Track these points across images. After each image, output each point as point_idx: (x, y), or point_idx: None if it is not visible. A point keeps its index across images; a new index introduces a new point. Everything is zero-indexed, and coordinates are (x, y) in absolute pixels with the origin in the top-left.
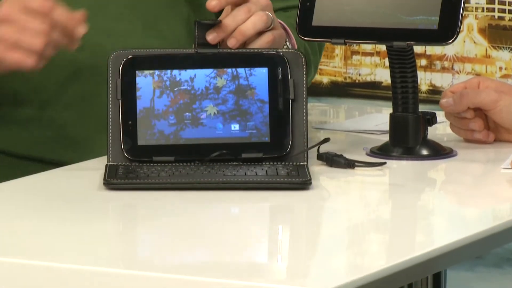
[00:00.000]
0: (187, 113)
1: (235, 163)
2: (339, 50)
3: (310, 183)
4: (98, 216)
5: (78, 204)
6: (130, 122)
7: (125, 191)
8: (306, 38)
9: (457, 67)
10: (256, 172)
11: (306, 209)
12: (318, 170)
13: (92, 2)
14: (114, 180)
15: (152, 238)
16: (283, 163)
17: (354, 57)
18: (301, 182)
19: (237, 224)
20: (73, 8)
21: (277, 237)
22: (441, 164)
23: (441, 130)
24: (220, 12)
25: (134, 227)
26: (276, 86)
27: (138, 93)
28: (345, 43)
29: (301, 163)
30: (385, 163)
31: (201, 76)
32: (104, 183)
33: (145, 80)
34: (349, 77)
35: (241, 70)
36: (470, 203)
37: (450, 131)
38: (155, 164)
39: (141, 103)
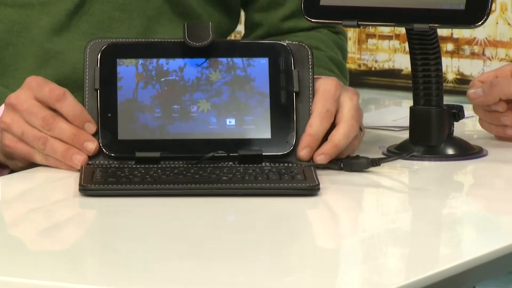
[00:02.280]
0: (175, 106)
1: (230, 163)
2: (352, 33)
3: (318, 189)
4: (72, 226)
5: (50, 212)
6: (109, 115)
7: (104, 198)
8: (313, 20)
9: (489, 52)
10: (255, 176)
11: (313, 218)
12: (328, 173)
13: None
14: (90, 185)
15: (133, 252)
16: (286, 164)
17: (370, 40)
18: (308, 188)
19: (232, 235)
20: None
21: (280, 250)
22: (469, 165)
23: (469, 126)
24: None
25: (112, 239)
26: (278, 78)
27: (119, 84)
28: (358, 25)
29: (306, 165)
30: (411, 152)
31: (191, 66)
32: (79, 189)
33: (127, 70)
34: (363, 64)
35: (237, 60)
36: (503, 209)
37: (479, 127)
38: (138, 166)
39: (123, 94)
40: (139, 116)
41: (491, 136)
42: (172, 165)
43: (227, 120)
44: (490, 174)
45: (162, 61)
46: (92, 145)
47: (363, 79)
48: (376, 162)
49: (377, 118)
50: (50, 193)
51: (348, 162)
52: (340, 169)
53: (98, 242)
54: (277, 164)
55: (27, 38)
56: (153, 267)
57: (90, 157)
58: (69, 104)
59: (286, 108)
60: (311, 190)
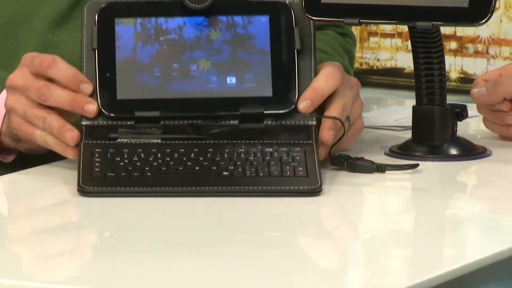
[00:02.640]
0: (175, 65)
1: (231, 122)
2: (353, 31)
3: (320, 190)
4: (70, 227)
5: (48, 213)
6: (108, 75)
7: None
8: (314, 18)
9: (493, 50)
10: (256, 168)
11: (315, 219)
12: (330, 173)
13: None
14: (89, 188)
15: (131, 253)
16: (288, 122)
17: (372, 39)
18: (309, 191)
19: (232, 236)
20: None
21: (281, 251)
22: (473, 166)
23: (473, 126)
24: None
25: (111, 240)
26: (279, 35)
27: (117, 43)
28: (360, 23)
29: (308, 123)
30: (417, 165)
31: (191, 25)
32: (78, 190)
33: (125, 29)
34: (365, 62)
35: (238, 18)
36: (507, 210)
37: (483, 127)
38: (139, 150)
39: (121, 54)
40: (138, 75)
41: (495, 136)
42: (173, 143)
43: (228, 79)
44: (494, 174)
45: (161, 20)
46: (92, 107)
47: (365, 78)
48: (381, 169)
49: (379, 118)
50: (49, 192)
51: (351, 162)
52: (343, 168)
53: (97, 243)
54: (278, 122)
55: (28, 29)
56: (152, 268)
57: (88, 118)
58: (61, 68)
59: (288, 66)
60: (312, 193)
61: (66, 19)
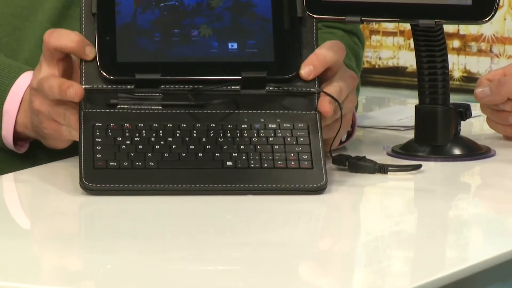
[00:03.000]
0: (175, 30)
1: (233, 87)
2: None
3: (325, 187)
4: (70, 226)
5: (50, 211)
6: (107, 38)
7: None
8: (315, 16)
9: (497, 49)
10: (260, 156)
11: (316, 219)
12: (332, 173)
13: None
14: (92, 185)
15: (130, 253)
16: (290, 88)
17: (373, 37)
18: (314, 189)
19: (233, 236)
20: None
21: (281, 252)
22: (477, 166)
23: (476, 126)
24: None
25: (109, 239)
26: (281, 2)
27: (117, 8)
28: (362, 21)
29: (311, 90)
30: (420, 165)
31: None
32: (80, 186)
33: None
34: (367, 61)
35: None
36: (511, 211)
37: (487, 127)
38: (142, 134)
39: (121, 19)
40: (138, 39)
41: (499, 136)
42: (173, 112)
43: (229, 44)
44: (498, 174)
45: None
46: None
47: (367, 77)
48: (383, 170)
49: (382, 118)
50: (51, 190)
51: (354, 162)
52: (345, 168)
53: (95, 242)
54: (280, 88)
55: (33, 22)
56: (150, 269)
57: (89, 81)
58: (63, 34)
59: (290, 33)
60: (317, 191)
61: (69, 10)
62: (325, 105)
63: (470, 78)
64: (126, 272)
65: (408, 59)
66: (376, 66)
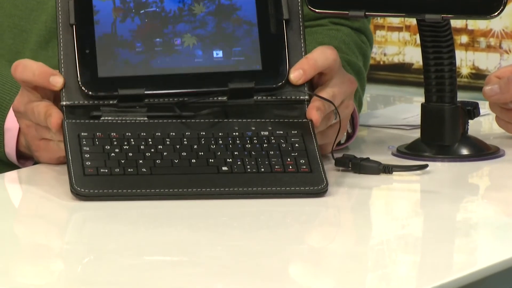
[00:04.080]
0: (157, 39)
1: (220, 98)
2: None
3: (326, 190)
4: (59, 232)
5: (39, 216)
6: (87, 51)
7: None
8: (317, 10)
9: (506, 45)
10: (256, 161)
11: (318, 223)
12: (335, 173)
13: None
14: (83, 190)
15: (123, 259)
16: (279, 97)
17: (378, 32)
18: (315, 192)
19: (229, 239)
20: None
21: (282, 256)
22: (485, 166)
23: (485, 125)
24: None
25: (102, 245)
26: (266, 5)
27: (95, 18)
28: (366, 16)
29: (301, 98)
30: (426, 166)
31: None
32: (71, 192)
33: (103, 3)
34: (371, 57)
35: None
36: None
37: (496, 126)
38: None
39: (100, 29)
40: (119, 51)
41: (509, 135)
42: (160, 122)
43: (214, 52)
44: (508, 175)
45: None
46: (58, 79)
47: (371, 73)
48: (388, 170)
49: (386, 116)
50: (41, 195)
51: (357, 163)
52: (348, 169)
53: (87, 249)
54: (268, 97)
55: (38, 22)
56: (144, 276)
57: (69, 97)
58: (27, 68)
59: (276, 37)
60: (318, 193)
61: None
62: (312, 113)
63: (478, 75)
64: (118, 277)
65: (414, 55)
66: (381, 63)
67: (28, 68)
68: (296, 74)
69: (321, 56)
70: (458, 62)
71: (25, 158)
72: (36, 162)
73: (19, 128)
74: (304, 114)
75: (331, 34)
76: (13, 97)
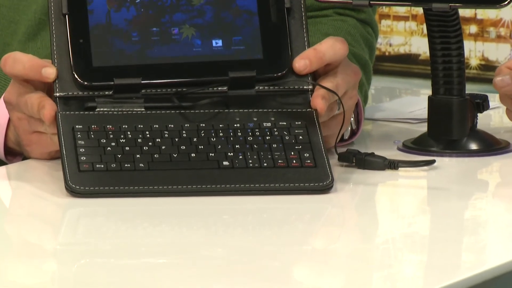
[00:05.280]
0: (154, 28)
1: (220, 88)
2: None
3: (331, 186)
4: (53, 230)
5: (32, 214)
6: (81, 41)
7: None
8: None
9: None
10: (258, 155)
11: (322, 221)
12: (339, 169)
13: None
14: (78, 188)
15: (119, 259)
16: (281, 87)
17: (383, 22)
18: (319, 188)
19: (229, 237)
20: None
21: (286, 254)
22: (495, 162)
23: (495, 118)
24: None
25: (97, 244)
26: None
27: (89, 7)
28: (370, 5)
29: (304, 87)
30: (433, 161)
31: None
32: (66, 189)
33: None
34: (376, 48)
35: None
36: None
37: (506, 119)
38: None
39: (94, 19)
40: (114, 41)
41: None
42: (158, 113)
43: (214, 42)
44: None
45: None
46: (50, 70)
47: (376, 65)
48: (394, 165)
49: (392, 109)
50: (33, 192)
51: (361, 158)
52: (352, 165)
53: (82, 248)
54: (271, 87)
55: (27, 13)
56: (141, 276)
57: (63, 88)
58: (17, 61)
59: (278, 25)
60: (323, 190)
61: None
62: (317, 101)
63: (488, 67)
64: (113, 277)
65: (421, 46)
66: (387, 54)
67: (18, 62)
68: (301, 64)
69: (330, 50)
70: (466, 53)
71: (13, 154)
72: (24, 159)
73: (8, 123)
74: (307, 103)
75: (336, 25)
76: (2, 90)
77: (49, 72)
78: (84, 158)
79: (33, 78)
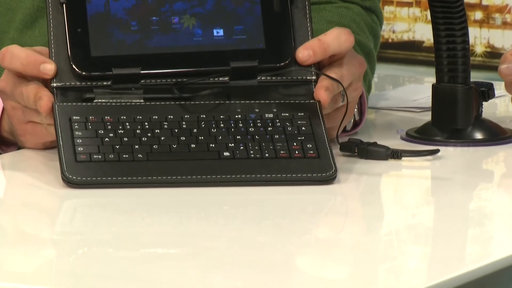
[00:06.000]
0: (154, 17)
1: (221, 79)
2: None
3: (335, 177)
4: (49, 221)
5: (29, 205)
6: (79, 30)
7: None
8: None
9: None
10: (260, 145)
11: (326, 211)
12: (340, 160)
13: None
14: (75, 178)
15: (117, 251)
16: (284, 77)
17: (387, 8)
18: (323, 179)
19: (233, 231)
20: None
21: (287, 247)
22: (500, 152)
23: (500, 107)
24: None
25: (94, 236)
26: None
27: None
28: None
29: (307, 78)
30: (438, 151)
31: None
32: (63, 179)
33: None
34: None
35: None
36: None
37: None
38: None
39: (92, 8)
40: (113, 30)
41: None
42: (158, 104)
43: (215, 31)
44: None
45: None
46: (49, 66)
47: (379, 52)
48: (397, 155)
49: (395, 98)
50: (29, 182)
51: (364, 148)
52: (354, 154)
53: (79, 239)
54: (273, 77)
55: (25, 1)
56: (138, 269)
57: (60, 78)
58: (14, 56)
59: (280, 14)
60: (326, 180)
61: None
62: (320, 93)
63: (493, 54)
64: (111, 270)
65: (425, 33)
66: (390, 40)
67: (16, 57)
68: (305, 54)
69: (335, 42)
70: (471, 40)
71: (7, 144)
72: (19, 149)
73: (2, 111)
74: (311, 95)
75: (340, 12)
76: None
77: (48, 68)
78: (81, 148)
79: (31, 74)
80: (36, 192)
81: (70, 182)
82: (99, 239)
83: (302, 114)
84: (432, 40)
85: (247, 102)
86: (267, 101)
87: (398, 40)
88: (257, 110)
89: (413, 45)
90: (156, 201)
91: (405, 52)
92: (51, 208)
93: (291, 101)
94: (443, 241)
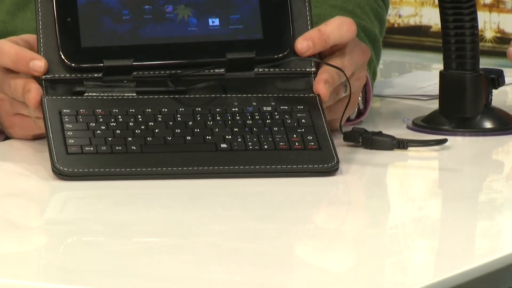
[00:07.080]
0: (146, 6)
1: (217, 70)
2: None
3: (337, 168)
4: (39, 213)
5: (20, 197)
6: (69, 20)
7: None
8: None
9: None
10: (258, 137)
11: (329, 203)
12: (343, 150)
13: None
14: (66, 170)
15: (112, 245)
16: (282, 69)
17: None
18: (324, 170)
19: (231, 223)
20: None
21: (288, 243)
22: (511, 141)
23: (511, 95)
24: None
25: (88, 229)
26: None
27: None
28: None
29: (307, 69)
30: (445, 140)
31: None
32: (53, 171)
33: None
34: None
35: None
36: None
37: None
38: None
39: None
40: (104, 19)
41: None
42: (151, 97)
43: (210, 20)
44: None
45: None
46: (39, 63)
47: (385, 37)
48: (403, 145)
49: (401, 85)
50: (19, 172)
51: (368, 138)
52: (358, 144)
53: (70, 231)
54: (271, 69)
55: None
56: (133, 263)
57: (50, 70)
58: (2, 54)
59: (279, 3)
60: (328, 172)
61: None
62: (320, 86)
63: (503, 39)
64: (104, 264)
65: (432, 17)
66: (396, 25)
67: (5, 53)
68: (304, 45)
69: (335, 32)
70: (481, 25)
71: None
72: (7, 138)
73: None
74: (310, 87)
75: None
76: None
77: (38, 65)
78: (72, 141)
79: (21, 71)
80: (25, 182)
81: (62, 174)
82: (92, 229)
83: (302, 107)
84: (439, 25)
85: (244, 95)
86: (264, 95)
87: (405, 25)
88: (254, 104)
89: (420, 30)
90: (151, 193)
91: (412, 38)
92: (41, 199)
93: (290, 95)
94: (451, 235)
